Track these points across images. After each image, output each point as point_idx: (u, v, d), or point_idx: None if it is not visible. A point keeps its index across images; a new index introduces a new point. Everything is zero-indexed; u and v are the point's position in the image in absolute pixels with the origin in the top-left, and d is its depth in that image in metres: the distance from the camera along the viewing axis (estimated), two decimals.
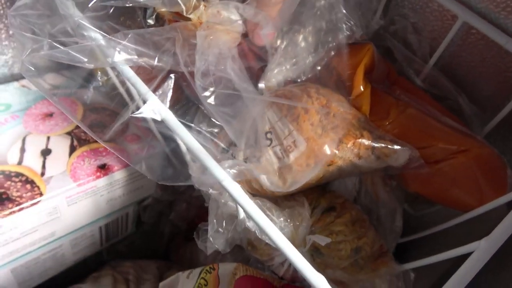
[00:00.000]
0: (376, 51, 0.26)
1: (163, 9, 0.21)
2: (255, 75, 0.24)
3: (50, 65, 0.33)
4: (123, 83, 0.27)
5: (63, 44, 0.20)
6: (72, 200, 0.27)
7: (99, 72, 0.29)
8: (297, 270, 0.16)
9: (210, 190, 0.20)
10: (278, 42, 0.24)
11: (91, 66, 0.19)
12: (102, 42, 0.19)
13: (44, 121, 0.29)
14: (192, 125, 0.21)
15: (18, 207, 0.24)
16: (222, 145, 0.22)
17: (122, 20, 0.23)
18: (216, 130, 0.24)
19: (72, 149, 0.28)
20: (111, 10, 0.21)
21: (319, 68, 0.25)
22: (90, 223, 0.30)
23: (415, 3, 0.30)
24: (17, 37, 0.19)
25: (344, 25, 0.25)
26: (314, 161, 0.21)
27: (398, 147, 0.22)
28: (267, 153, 0.21)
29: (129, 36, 0.19)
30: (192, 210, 0.38)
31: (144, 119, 0.26)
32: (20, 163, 0.26)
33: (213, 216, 0.22)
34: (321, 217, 0.23)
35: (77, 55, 0.19)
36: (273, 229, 0.17)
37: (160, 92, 0.19)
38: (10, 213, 0.24)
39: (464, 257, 0.17)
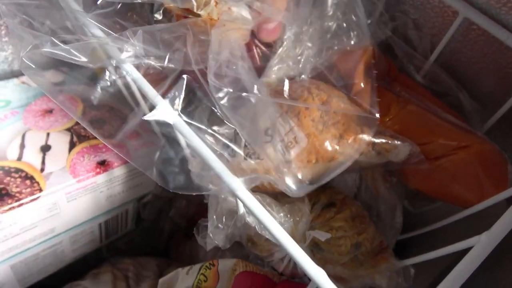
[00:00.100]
0: (376, 48, 0.26)
1: (171, 4, 0.21)
2: (259, 73, 0.24)
3: (50, 61, 0.33)
4: (127, 85, 0.27)
5: (65, 41, 0.20)
6: (71, 196, 0.27)
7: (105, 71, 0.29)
8: (297, 264, 0.16)
9: (210, 186, 0.20)
10: (283, 38, 0.24)
11: (92, 65, 0.19)
12: (108, 40, 0.18)
13: (44, 118, 0.29)
14: (207, 129, 0.21)
15: (17, 203, 0.24)
16: (224, 140, 0.22)
17: (129, 15, 0.23)
18: (226, 130, 0.23)
19: (72, 145, 0.28)
20: (119, 6, 0.21)
21: (320, 66, 0.25)
22: (90, 220, 0.30)
23: None
24: (16, 31, 0.19)
25: (352, 33, 0.24)
26: (315, 157, 0.21)
27: (399, 142, 0.22)
28: (267, 149, 0.21)
29: (138, 33, 0.18)
30: (192, 207, 0.38)
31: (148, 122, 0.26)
32: (19, 159, 0.26)
33: (212, 212, 0.22)
34: (321, 212, 0.23)
35: (78, 53, 0.18)
36: (274, 224, 0.17)
37: (172, 95, 0.19)
38: (10, 208, 0.24)
39: (465, 253, 0.17)
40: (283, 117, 0.22)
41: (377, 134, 0.22)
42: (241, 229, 0.22)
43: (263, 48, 0.23)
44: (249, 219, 0.19)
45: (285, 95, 0.22)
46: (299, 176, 0.21)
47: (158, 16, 0.23)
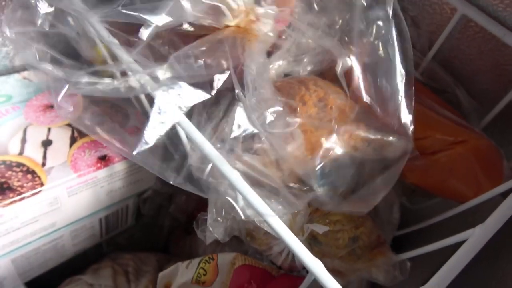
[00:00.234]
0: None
1: (203, 21, 0.21)
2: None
3: (49, 57, 0.33)
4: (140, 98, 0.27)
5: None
6: (72, 191, 0.27)
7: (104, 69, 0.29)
8: (295, 257, 0.17)
9: (210, 179, 0.20)
10: (286, 34, 0.24)
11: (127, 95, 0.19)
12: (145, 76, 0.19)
13: (45, 113, 0.29)
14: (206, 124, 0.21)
15: (19, 197, 0.24)
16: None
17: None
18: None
19: (73, 140, 0.28)
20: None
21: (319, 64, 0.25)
22: (90, 215, 0.30)
23: None
24: (39, 67, 0.19)
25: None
26: (310, 153, 0.21)
27: (394, 138, 0.22)
28: (263, 146, 0.22)
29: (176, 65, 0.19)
30: (191, 203, 0.39)
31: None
32: (21, 153, 0.26)
33: (212, 205, 0.22)
34: None
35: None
36: (272, 216, 0.17)
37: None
38: (11, 202, 0.24)
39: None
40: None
41: (373, 131, 0.22)
42: (240, 222, 0.23)
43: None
44: (249, 212, 0.20)
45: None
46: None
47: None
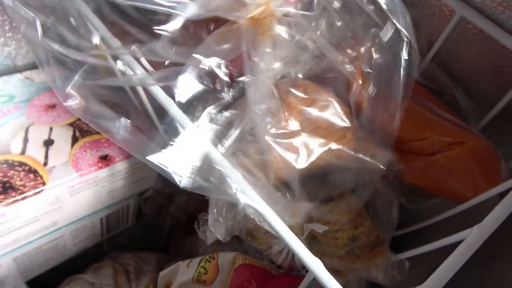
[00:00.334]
0: None
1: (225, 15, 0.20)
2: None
3: (51, 57, 0.34)
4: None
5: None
6: (74, 190, 0.27)
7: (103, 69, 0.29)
8: (294, 255, 0.17)
9: (211, 178, 0.20)
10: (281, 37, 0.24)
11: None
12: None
13: (47, 112, 0.30)
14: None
15: (21, 196, 0.24)
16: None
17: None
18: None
19: (74, 140, 0.28)
20: None
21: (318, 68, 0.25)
22: (91, 214, 0.31)
23: None
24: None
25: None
26: (294, 159, 0.21)
27: (378, 150, 0.22)
28: (250, 149, 0.22)
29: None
30: (192, 203, 0.39)
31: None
32: (23, 153, 0.26)
33: (213, 205, 0.22)
34: (319, 206, 0.24)
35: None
36: (272, 215, 0.17)
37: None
38: (14, 201, 0.24)
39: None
40: None
41: (358, 141, 0.22)
42: (241, 222, 0.23)
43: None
44: (249, 211, 0.20)
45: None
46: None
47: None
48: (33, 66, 0.34)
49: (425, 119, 0.25)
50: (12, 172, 0.25)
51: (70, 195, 0.27)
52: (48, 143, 0.28)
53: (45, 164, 0.26)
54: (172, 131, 0.24)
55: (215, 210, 0.21)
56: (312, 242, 0.23)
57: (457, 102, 0.29)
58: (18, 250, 0.27)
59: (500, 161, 0.24)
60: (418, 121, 0.25)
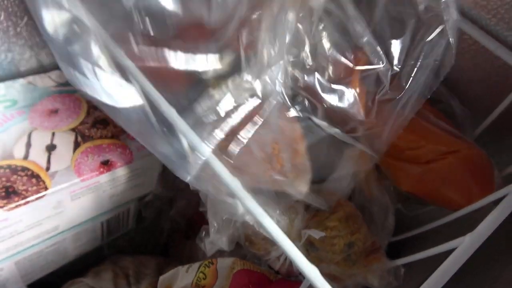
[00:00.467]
0: None
1: None
2: None
3: (55, 61, 0.34)
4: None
5: None
6: (75, 195, 0.28)
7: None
8: (292, 262, 0.17)
9: (209, 187, 0.21)
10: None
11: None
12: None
13: (50, 117, 0.30)
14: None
15: (23, 201, 0.25)
16: None
17: None
18: None
19: (76, 145, 0.29)
20: None
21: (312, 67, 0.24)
22: (92, 218, 0.31)
23: None
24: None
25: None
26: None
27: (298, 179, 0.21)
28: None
29: None
30: (191, 207, 0.39)
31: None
32: (26, 157, 0.27)
33: (213, 218, 0.22)
34: (316, 212, 0.24)
35: None
36: (270, 222, 0.17)
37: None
38: (16, 206, 0.25)
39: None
40: None
41: (282, 167, 0.21)
42: (240, 228, 0.23)
43: None
44: (248, 218, 0.20)
45: None
46: None
47: None
48: (36, 71, 0.34)
49: (420, 128, 0.26)
50: (15, 177, 0.26)
51: (72, 199, 0.28)
52: (51, 148, 0.28)
53: (48, 169, 0.27)
54: (170, 132, 0.25)
55: (215, 223, 0.22)
56: (309, 248, 0.24)
57: (453, 111, 0.29)
58: (20, 254, 0.28)
59: (493, 170, 0.25)
60: (414, 130, 0.25)
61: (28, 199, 0.25)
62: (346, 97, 0.22)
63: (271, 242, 0.25)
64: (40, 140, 0.28)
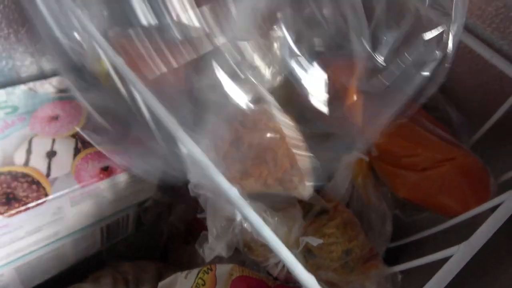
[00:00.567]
0: None
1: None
2: None
3: (55, 68, 0.34)
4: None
5: None
6: (75, 201, 0.28)
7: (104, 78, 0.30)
8: (289, 270, 0.17)
9: (208, 193, 0.21)
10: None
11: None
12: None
13: (50, 124, 0.30)
14: None
15: (24, 207, 0.25)
16: None
17: None
18: None
19: (77, 151, 0.29)
20: None
21: None
22: (92, 224, 0.31)
23: None
24: None
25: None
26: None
27: (304, 183, 0.21)
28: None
29: None
30: (190, 212, 0.39)
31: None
32: (26, 164, 0.27)
33: (212, 225, 0.23)
34: (314, 219, 0.24)
35: None
36: (267, 231, 0.18)
37: None
38: (17, 212, 0.25)
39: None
40: None
41: (285, 172, 0.20)
42: (238, 235, 0.23)
43: None
44: (246, 225, 0.20)
45: None
46: None
47: None
48: (36, 78, 0.35)
49: (417, 135, 0.26)
50: (15, 183, 0.26)
51: (72, 205, 0.28)
52: (51, 154, 0.28)
53: (48, 175, 0.27)
54: (171, 142, 0.25)
55: (214, 230, 0.22)
56: (307, 255, 0.24)
57: (449, 118, 0.29)
58: (20, 260, 0.28)
59: (489, 177, 0.25)
60: (410, 137, 0.26)
61: (28, 205, 0.25)
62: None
63: (269, 249, 0.25)
64: (41, 147, 0.28)
